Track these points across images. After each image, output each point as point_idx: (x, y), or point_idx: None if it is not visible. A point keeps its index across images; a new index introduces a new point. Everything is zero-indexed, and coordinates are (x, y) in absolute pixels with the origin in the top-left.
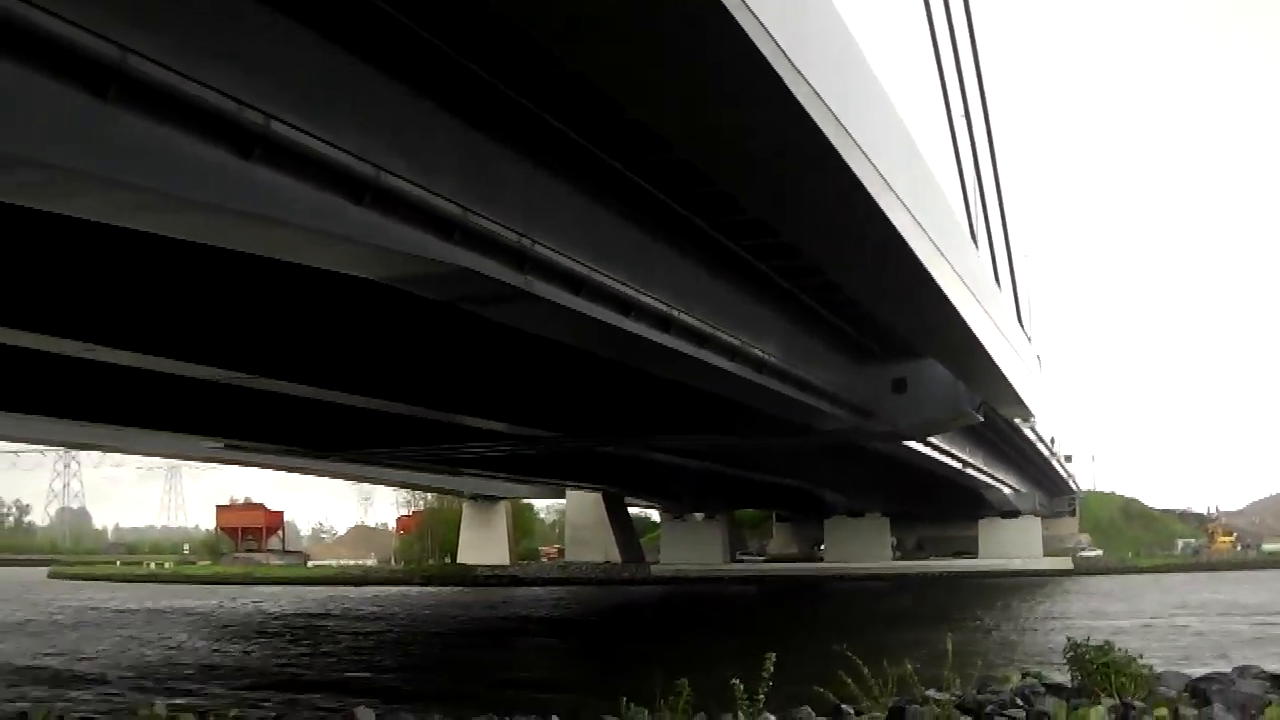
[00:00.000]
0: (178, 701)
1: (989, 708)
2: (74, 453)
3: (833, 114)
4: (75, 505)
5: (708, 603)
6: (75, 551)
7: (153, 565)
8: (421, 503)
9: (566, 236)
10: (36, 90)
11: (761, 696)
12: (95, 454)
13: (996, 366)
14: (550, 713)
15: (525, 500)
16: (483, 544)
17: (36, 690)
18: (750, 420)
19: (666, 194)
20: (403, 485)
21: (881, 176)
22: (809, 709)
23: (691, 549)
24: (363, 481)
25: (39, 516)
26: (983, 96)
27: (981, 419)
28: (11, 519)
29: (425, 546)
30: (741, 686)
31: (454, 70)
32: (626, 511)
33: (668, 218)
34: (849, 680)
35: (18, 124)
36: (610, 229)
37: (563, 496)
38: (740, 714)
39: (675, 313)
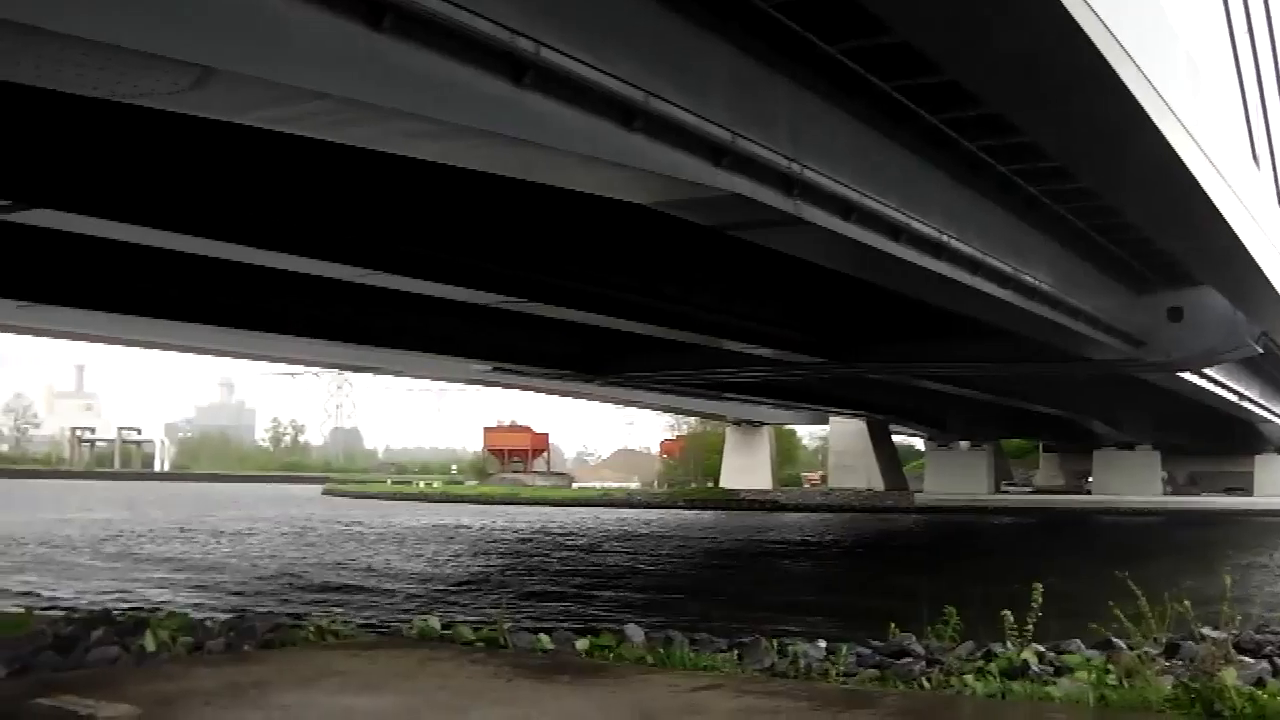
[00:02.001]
0: (450, 614)
1: (1268, 648)
2: (347, 374)
3: (1112, 34)
4: (348, 425)
5: (972, 532)
6: (348, 470)
7: (421, 485)
8: (685, 426)
9: (835, 160)
10: (315, 23)
11: (1030, 627)
12: (367, 375)
13: (1279, 294)
14: (816, 636)
15: (788, 426)
16: (745, 469)
17: (308, 595)
18: (1019, 348)
19: (935, 116)
20: (666, 409)
21: (1162, 99)
22: (1079, 641)
23: (956, 478)
24: (627, 405)
25: (314, 436)
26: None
27: (1260, 350)
28: (288, 438)
29: (688, 470)
30: (1010, 617)
31: None
32: (890, 439)
33: (936, 140)
34: (1136, 609)
35: (299, 56)
36: (878, 152)
37: (826, 423)
38: (1008, 644)
39: (946, 238)
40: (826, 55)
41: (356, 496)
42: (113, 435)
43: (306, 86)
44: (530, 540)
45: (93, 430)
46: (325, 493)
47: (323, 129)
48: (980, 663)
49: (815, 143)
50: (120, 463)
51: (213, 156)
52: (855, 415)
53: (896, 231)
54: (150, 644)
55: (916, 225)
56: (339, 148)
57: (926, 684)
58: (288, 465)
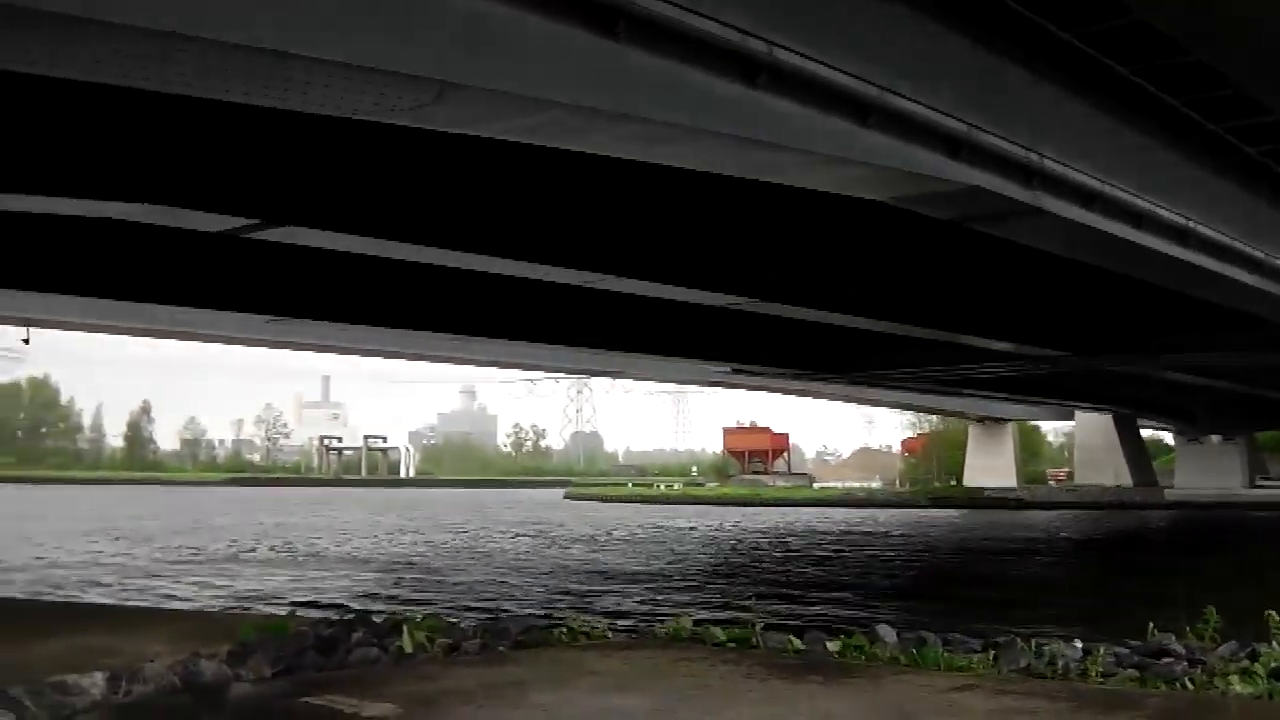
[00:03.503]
0: (698, 613)
1: None
2: (586, 379)
3: None
4: (588, 429)
5: (1227, 529)
6: (588, 473)
7: (662, 487)
8: (926, 424)
9: (1074, 149)
10: (551, 34)
11: None
12: (605, 380)
13: None
14: (1071, 635)
15: (1032, 422)
16: (988, 466)
17: (559, 595)
18: (1270, 336)
19: (1176, 98)
20: (906, 407)
21: None
22: None
23: (1207, 473)
24: (865, 404)
25: (554, 440)
26: None
27: None
28: (529, 443)
29: (930, 468)
30: (1277, 616)
31: None
32: (1138, 433)
33: (1177, 124)
34: None
35: (534, 67)
36: (1117, 139)
37: (1071, 418)
38: (1274, 643)
39: (1190, 224)
40: (1061, 41)
41: (598, 499)
42: (359, 443)
43: (542, 96)
44: (774, 539)
45: (339, 439)
46: (567, 496)
47: (557, 138)
48: (1245, 663)
49: (1053, 131)
50: (366, 470)
51: (449, 169)
52: (1100, 410)
53: (1138, 219)
54: (408, 645)
55: (1159, 212)
56: (570, 155)
57: (1189, 685)
58: (529, 470)
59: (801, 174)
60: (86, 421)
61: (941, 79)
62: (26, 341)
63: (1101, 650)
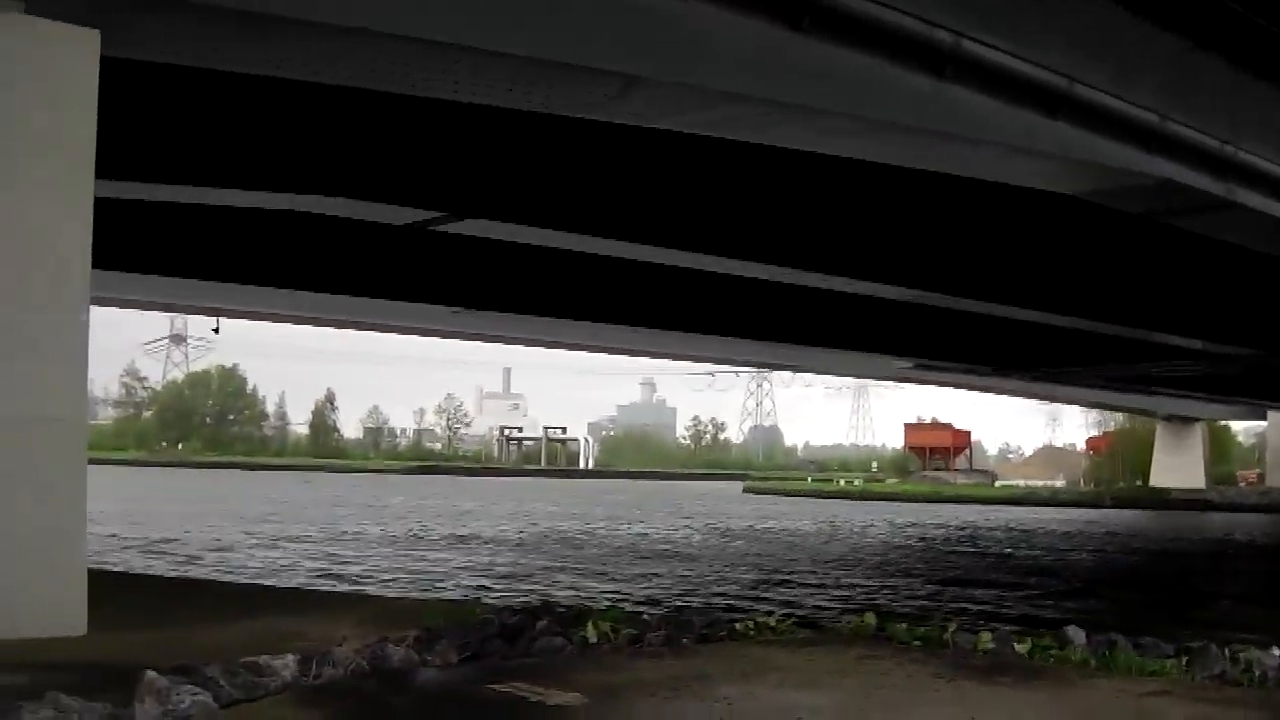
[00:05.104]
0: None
1: None
2: (766, 373)
3: None
4: (767, 423)
5: None
6: (766, 467)
7: (842, 482)
8: (1111, 423)
9: (1272, 141)
10: (735, 27)
11: None
12: (786, 374)
13: None
14: (1268, 644)
15: (1221, 421)
16: (1176, 467)
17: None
18: None
19: None
20: (1091, 405)
21: None
22: None
23: None
24: (1049, 401)
25: (733, 434)
26: None
27: None
28: (708, 436)
29: (1115, 468)
30: None
31: None
32: None
33: None
34: None
35: (719, 60)
36: None
37: (1263, 418)
38: None
39: None
40: (1260, 30)
41: (777, 494)
42: (538, 434)
43: (723, 89)
44: (961, 537)
45: (519, 429)
46: (745, 490)
47: (737, 131)
48: None
49: (1250, 123)
50: (546, 460)
51: (629, 162)
52: None
53: None
54: (592, 635)
55: None
56: (752, 148)
57: None
58: (708, 463)
59: (986, 167)
60: (270, 409)
61: (1132, 70)
62: (216, 330)
63: None
